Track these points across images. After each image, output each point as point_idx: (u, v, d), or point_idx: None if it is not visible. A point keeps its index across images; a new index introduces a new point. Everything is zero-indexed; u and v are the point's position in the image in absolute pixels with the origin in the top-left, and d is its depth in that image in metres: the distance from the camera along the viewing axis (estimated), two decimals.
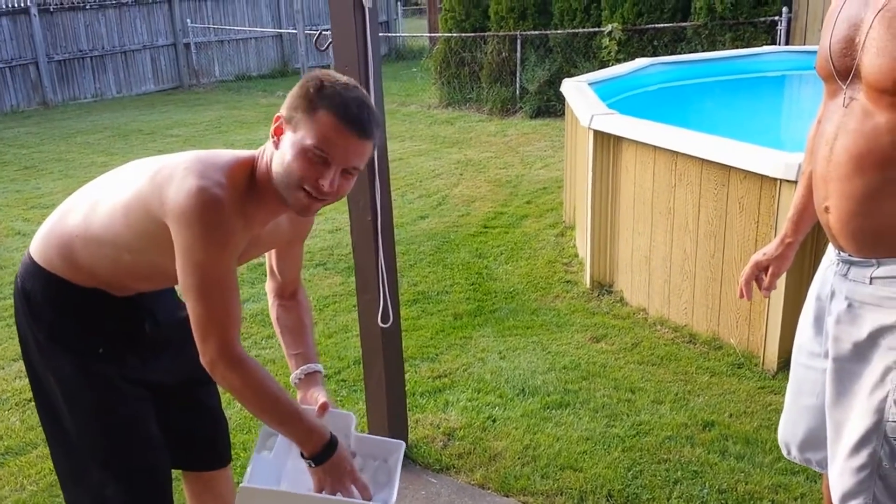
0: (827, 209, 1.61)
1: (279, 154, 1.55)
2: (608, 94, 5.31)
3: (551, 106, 9.79)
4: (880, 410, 1.54)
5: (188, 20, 14.77)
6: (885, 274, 1.54)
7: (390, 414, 2.78)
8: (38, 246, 1.70)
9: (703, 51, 8.88)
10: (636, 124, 4.04)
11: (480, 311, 4.22)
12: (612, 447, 2.87)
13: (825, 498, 1.97)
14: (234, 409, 3.24)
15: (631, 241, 4.15)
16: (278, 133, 1.56)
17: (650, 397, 3.22)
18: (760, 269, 1.98)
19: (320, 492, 1.61)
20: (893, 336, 1.53)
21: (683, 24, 9.54)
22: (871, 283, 1.57)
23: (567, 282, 4.57)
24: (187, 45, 14.80)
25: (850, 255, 1.61)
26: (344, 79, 1.56)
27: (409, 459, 2.84)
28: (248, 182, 1.59)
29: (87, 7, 13.43)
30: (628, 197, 4.13)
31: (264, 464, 1.72)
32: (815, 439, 1.80)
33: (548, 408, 3.17)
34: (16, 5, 12.60)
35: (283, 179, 1.55)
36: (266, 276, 2.01)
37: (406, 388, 2.99)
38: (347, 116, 1.51)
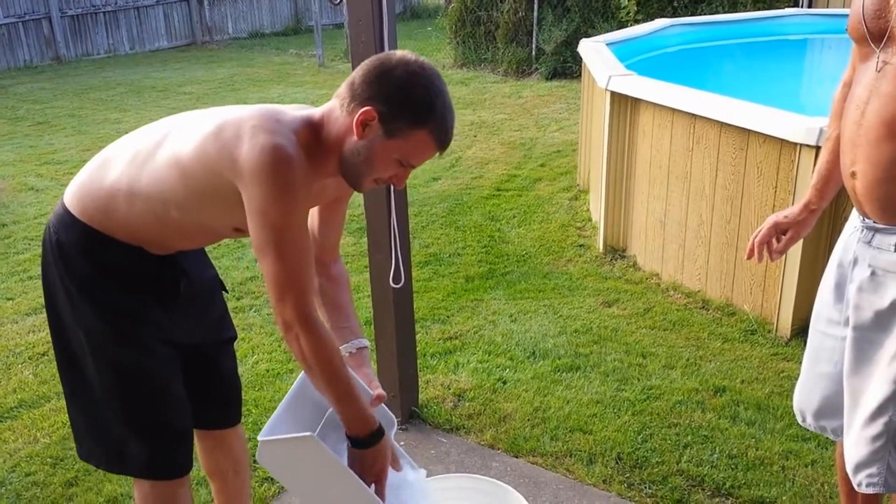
0: (853, 174, 1.57)
1: (364, 147, 1.49)
2: (626, 55, 5.21)
3: (568, 67, 9.65)
4: None
5: None
6: None
7: (401, 374, 2.79)
8: (74, 197, 1.66)
9: (724, 12, 8.70)
10: (654, 86, 3.96)
11: (492, 274, 4.21)
12: (622, 411, 2.86)
13: (837, 465, 1.96)
14: (244, 367, 3.26)
15: (646, 205, 4.11)
16: (366, 123, 1.47)
17: (661, 362, 3.21)
18: (778, 232, 1.93)
19: (351, 467, 1.59)
20: None
21: None
22: (895, 250, 1.54)
23: (580, 246, 4.54)
24: (200, 2, 14.65)
25: (874, 222, 1.58)
26: (439, 80, 1.50)
27: (420, 419, 2.85)
28: (312, 145, 1.54)
29: None
30: (644, 160, 4.07)
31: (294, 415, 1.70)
32: (831, 407, 1.79)
33: (558, 371, 3.16)
34: None
35: (358, 168, 1.53)
36: None
37: (417, 350, 2.99)
38: (445, 141, 1.52)
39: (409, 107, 1.46)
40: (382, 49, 2.39)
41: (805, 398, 1.88)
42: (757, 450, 2.61)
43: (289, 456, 1.58)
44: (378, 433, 1.57)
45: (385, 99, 1.46)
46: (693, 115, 3.64)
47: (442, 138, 1.50)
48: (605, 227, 4.39)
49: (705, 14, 8.70)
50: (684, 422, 2.78)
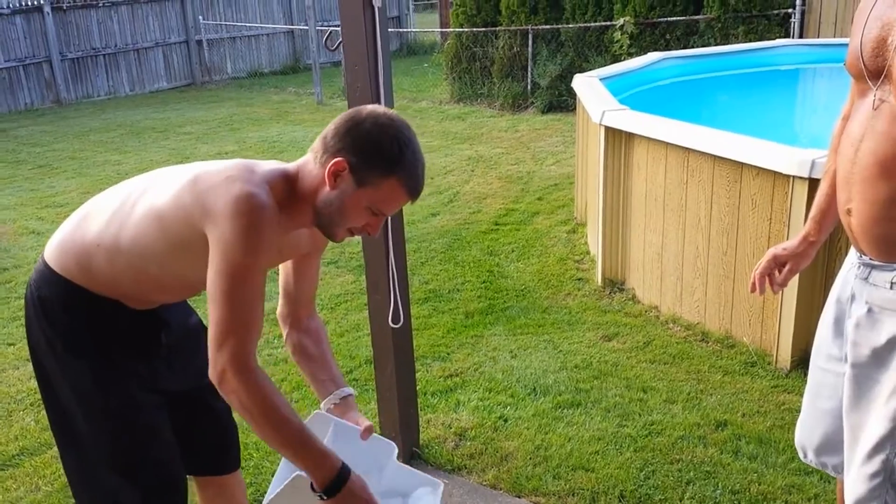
0: (849, 211, 1.58)
1: (336, 197, 1.54)
2: (620, 89, 5.28)
3: (563, 101, 9.75)
4: (895, 419, 1.53)
5: (200, 17, 14.80)
6: None
7: (401, 414, 2.79)
8: (55, 253, 1.69)
9: (716, 44, 8.82)
10: (647, 120, 4.01)
11: (492, 310, 4.22)
12: (624, 447, 2.86)
13: (839, 501, 1.96)
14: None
15: (643, 238, 4.13)
16: (337, 174, 1.52)
17: (662, 397, 3.21)
18: (778, 264, 1.94)
19: None
20: None
21: (696, 17, 9.47)
22: (891, 287, 1.54)
23: (578, 279, 4.55)
24: (199, 43, 14.84)
25: (871, 259, 1.58)
26: (407, 130, 1.55)
27: (421, 460, 2.84)
28: (285, 197, 1.57)
29: (100, 5, 13.48)
30: (640, 194, 4.11)
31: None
32: (832, 443, 1.79)
33: (559, 407, 3.16)
34: (29, 4, 12.67)
35: (331, 218, 1.57)
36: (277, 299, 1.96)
37: (417, 388, 2.99)
38: (415, 189, 1.56)
39: (378, 156, 1.51)
40: (378, 92, 2.43)
41: (806, 434, 1.87)
42: (760, 485, 2.61)
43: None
44: (342, 473, 1.52)
45: (355, 150, 1.51)
46: (687, 148, 3.68)
47: (412, 186, 1.55)
48: (602, 260, 4.41)
49: (697, 46, 8.81)
50: (686, 457, 2.78)
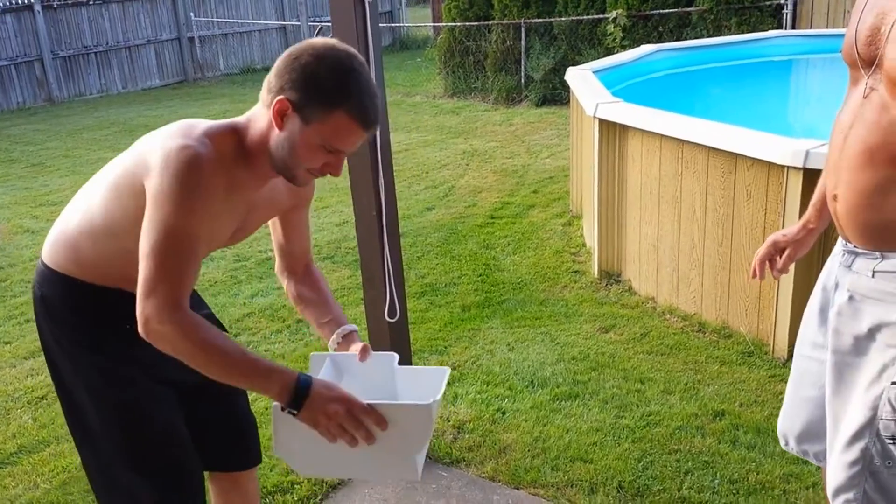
0: (836, 198, 1.59)
1: (285, 138, 1.50)
2: (614, 82, 5.28)
3: (557, 94, 9.75)
4: (874, 407, 1.53)
5: (192, 14, 14.76)
6: (889, 268, 1.52)
7: None
8: (48, 250, 1.70)
9: (709, 36, 8.82)
10: (641, 112, 4.01)
11: (488, 303, 4.22)
12: (622, 438, 2.87)
13: (824, 489, 1.97)
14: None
15: (638, 230, 4.14)
16: (283, 115, 1.48)
17: (660, 387, 3.21)
18: (777, 251, 1.95)
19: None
20: (891, 332, 1.51)
21: (688, 9, 9.47)
22: (873, 276, 1.55)
23: (575, 272, 4.56)
24: (191, 39, 14.79)
25: (855, 247, 1.59)
26: (349, 58, 1.47)
27: None
28: (236, 148, 1.55)
29: (91, 3, 13.43)
30: (635, 186, 4.11)
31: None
32: (814, 431, 1.79)
33: (557, 399, 3.17)
34: (19, 2, 12.61)
35: (286, 161, 1.52)
36: (273, 263, 1.96)
37: None
38: (365, 119, 1.48)
39: (319, 90, 1.45)
40: None
41: (788, 422, 1.88)
42: (758, 474, 2.62)
43: (299, 441, 1.50)
44: (301, 383, 1.43)
45: (295, 86, 1.46)
46: (681, 140, 3.68)
47: (362, 117, 1.47)
48: (599, 252, 4.41)
49: (690, 38, 8.81)
50: (684, 448, 2.79)
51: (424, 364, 3.52)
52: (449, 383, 3.33)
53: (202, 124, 1.55)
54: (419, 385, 1.65)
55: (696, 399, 3.11)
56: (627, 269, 4.32)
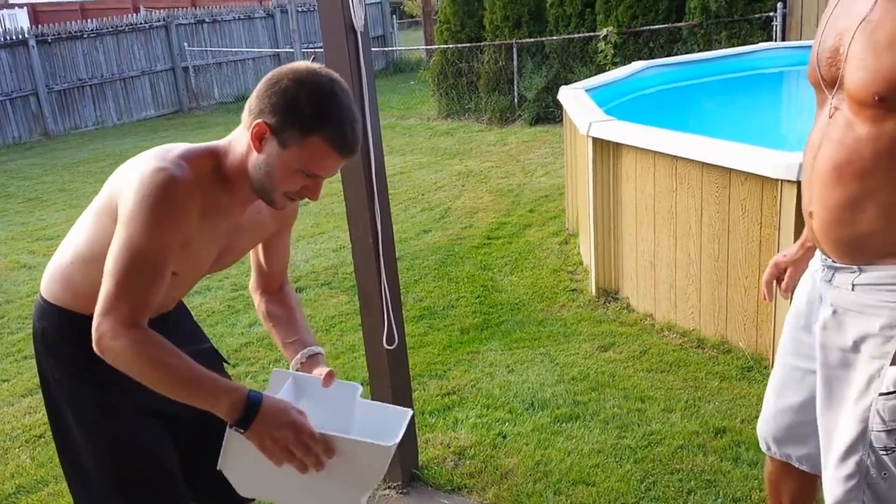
0: (811, 214, 1.62)
1: (263, 162, 1.49)
2: (606, 100, 5.31)
3: (550, 112, 9.79)
4: (865, 420, 1.54)
5: (185, 44, 14.86)
6: (867, 281, 1.54)
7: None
8: (46, 284, 1.71)
9: (700, 50, 8.88)
10: (634, 130, 4.02)
11: (487, 325, 4.21)
12: (624, 459, 2.84)
13: (768, 485, 2.04)
14: None
15: (635, 246, 4.14)
16: (260, 138, 1.48)
17: (660, 406, 3.19)
18: (780, 271, 1.99)
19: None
20: (875, 344, 1.52)
21: (678, 24, 9.54)
22: (853, 289, 1.57)
23: (572, 290, 4.55)
24: (186, 69, 14.88)
25: (833, 262, 1.62)
26: (329, 84, 1.47)
27: (421, 481, 2.82)
28: (214, 171, 1.55)
29: (85, 36, 13.52)
30: (630, 203, 4.11)
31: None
32: (795, 435, 1.83)
33: (558, 421, 3.15)
34: (13, 38, 12.69)
35: (264, 184, 1.52)
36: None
37: (415, 408, 2.97)
38: (343, 145, 1.47)
39: (297, 115, 1.44)
40: (364, 113, 2.43)
41: (770, 427, 1.92)
42: (761, 492, 2.59)
43: (246, 460, 1.47)
44: (251, 400, 1.41)
45: (274, 110, 1.45)
46: (674, 156, 3.69)
47: (339, 144, 1.47)
48: (596, 270, 4.41)
49: (681, 53, 8.87)
50: (687, 467, 2.77)
51: (423, 390, 3.50)
52: (449, 408, 3.33)
53: (179, 147, 1.55)
54: (375, 423, 1.60)
55: (697, 416, 3.09)
56: (625, 286, 4.31)
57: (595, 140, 4.22)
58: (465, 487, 2.77)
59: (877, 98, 1.40)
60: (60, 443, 1.75)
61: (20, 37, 12.74)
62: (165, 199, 1.44)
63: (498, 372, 3.63)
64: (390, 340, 2.62)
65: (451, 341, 4.04)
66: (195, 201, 1.50)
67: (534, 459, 2.89)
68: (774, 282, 2.01)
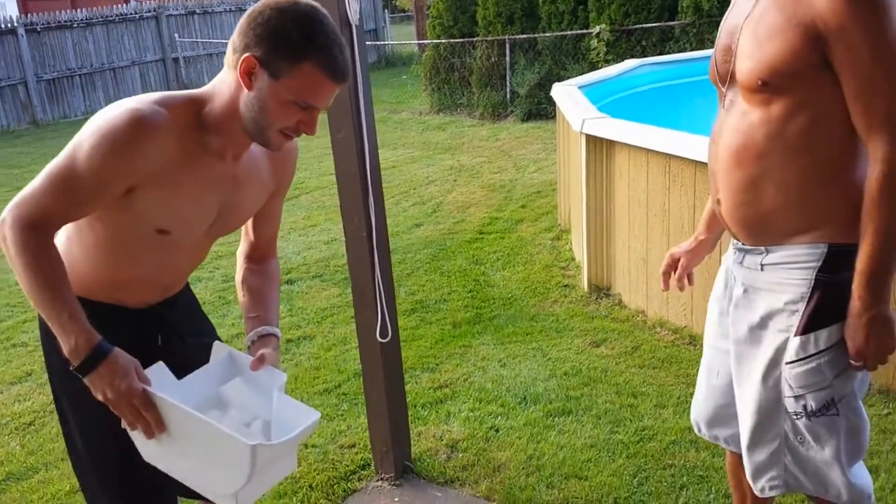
0: (718, 202, 1.72)
1: (255, 97, 1.46)
2: (599, 97, 5.32)
3: (542, 109, 9.81)
4: (778, 389, 1.65)
5: (176, 35, 14.78)
6: (774, 261, 1.64)
7: (392, 428, 2.77)
8: None
9: (692, 49, 8.92)
10: (628, 127, 4.03)
11: (479, 319, 4.21)
12: (616, 454, 2.86)
13: (729, 472, 2.12)
14: None
15: (627, 243, 4.15)
16: (250, 73, 1.44)
17: (653, 401, 3.21)
18: (675, 261, 2.07)
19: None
20: (782, 318, 1.63)
21: (671, 23, 9.57)
22: (762, 269, 1.67)
23: (565, 286, 4.56)
24: (176, 60, 14.80)
25: (743, 244, 1.71)
26: (312, 10, 1.45)
27: (413, 473, 2.83)
28: (196, 115, 1.51)
29: (75, 25, 13.42)
30: (623, 200, 4.12)
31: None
32: (723, 416, 1.91)
33: (550, 416, 3.16)
34: (2, 26, 12.58)
35: (258, 122, 1.49)
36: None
37: (408, 401, 2.97)
38: (335, 70, 1.45)
39: (284, 43, 1.42)
40: (358, 106, 2.42)
41: (700, 409, 1.99)
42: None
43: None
44: (103, 350, 1.43)
45: (260, 42, 1.43)
46: (668, 154, 3.70)
47: (331, 68, 1.44)
48: (588, 266, 4.42)
49: (673, 52, 8.90)
50: (679, 462, 2.78)
51: (415, 383, 3.51)
52: (441, 401, 3.33)
53: (157, 94, 1.52)
54: (286, 417, 1.58)
55: (688, 412, 3.08)
56: (617, 282, 4.32)
57: (588, 137, 4.23)
58: (458, 480, 2.77)
59: (760, 83, 1.53)
60: (63, 428, 1.75)
61: (9, 25, 12.64)
62: (125, 133, 1.41)
63: (490, 366, 3.64)
64: (384, 334, 2.62)
65: (444, 335, 4.04)
66: (161, 149, 1.46)
67: (526, 453, 2.90)
68: (672, 273, 2.08)
